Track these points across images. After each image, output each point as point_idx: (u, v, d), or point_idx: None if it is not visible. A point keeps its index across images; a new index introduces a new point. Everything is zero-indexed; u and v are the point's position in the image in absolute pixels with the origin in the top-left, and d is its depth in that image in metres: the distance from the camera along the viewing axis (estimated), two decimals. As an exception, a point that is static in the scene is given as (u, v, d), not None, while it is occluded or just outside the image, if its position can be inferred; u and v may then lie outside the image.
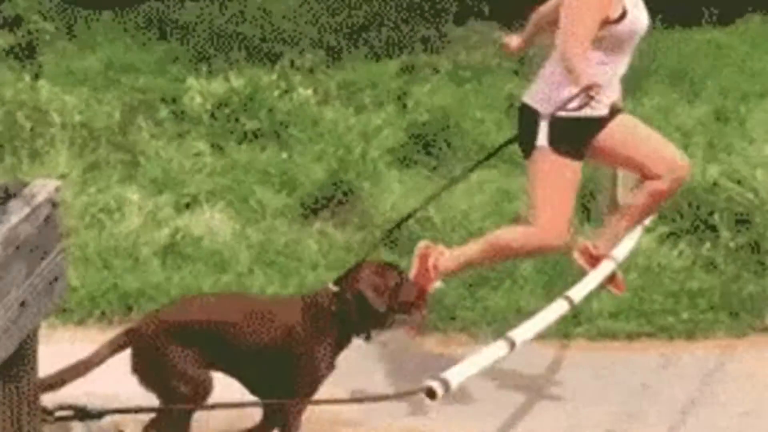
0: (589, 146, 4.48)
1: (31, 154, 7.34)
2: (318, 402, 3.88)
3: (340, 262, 5.68)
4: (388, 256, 5.51)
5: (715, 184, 6.21)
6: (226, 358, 3.80)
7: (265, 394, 3.83)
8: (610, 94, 4.45)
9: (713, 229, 6.04)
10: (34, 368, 2.70)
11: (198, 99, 8.31)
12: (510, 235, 4.66)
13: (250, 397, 3.87)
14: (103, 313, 5.59)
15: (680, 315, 5.42)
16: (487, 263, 4.90)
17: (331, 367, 3.89)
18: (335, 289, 3.92)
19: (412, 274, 4.58)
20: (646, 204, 4.62)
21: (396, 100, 8.95)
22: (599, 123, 4.45)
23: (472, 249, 4.69)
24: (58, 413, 2.75)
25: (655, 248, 5.86)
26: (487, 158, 5.25)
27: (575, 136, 4.43)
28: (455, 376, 3.47)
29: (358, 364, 4.18)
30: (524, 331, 3.97)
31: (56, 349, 4.26)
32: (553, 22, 4.60)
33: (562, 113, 4.35)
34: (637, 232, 4.83)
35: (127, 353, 3.84)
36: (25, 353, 2.61)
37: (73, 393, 3.40)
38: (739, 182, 6.21)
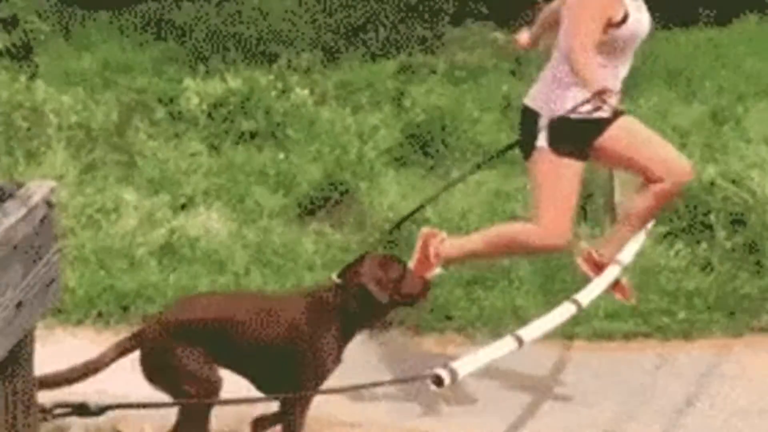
0: (591, 148, 4.49)
1: (28, 154, 7.33)
2: (326, 392, 3.88)
3: (337, 262, 5.67)
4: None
5: (711, 184, 6.22)
6: (232, 356, 3.80)
7: (271, 390, 3.84)
8: (613, 96, 4.45)
9: (710, 229, 6.04)
10: (29, 369, 2.70)
11: (195, 99, 8.31)
12: (514, 230, 4.66)
13: (256, 393, 3.87)
14: (100, 314, 5.59)
15: (677, 315, 5.43)
16: (487, 256, 4.91)
17: (337, 360, 3.89)
18: (338, 281, 3.93)
19: (413, 260, 4.59)
20: (651, 207, 4.62)
21: (393, 100, 8.96)
22: (601, 125, 4.45)
23: (475, 240, 4.70)
24: (57, 411, 2.74)
25: (652, 248, 5.86)
26: (489, 160, 5.26)
27: (577, 138, 4.43)
28: (463, 366, 3.52)
29: (355, 364, 4.17)
30: (533, 330, 4.02)
31: (53, 350, 4.28)
32: (555, 23, 4.60)
33: (563, 114, 4.36)
34: (641, 235, 4.83)
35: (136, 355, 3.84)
36: (20, 354, 2.61)
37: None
38: (735, 182, 6.21)
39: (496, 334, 4.33)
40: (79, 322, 5.53)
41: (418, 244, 4.68)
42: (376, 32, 11.09)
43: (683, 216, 6.08)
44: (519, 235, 4.61)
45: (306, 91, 8.80)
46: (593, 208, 6.13)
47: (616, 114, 4.45)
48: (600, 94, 4.19)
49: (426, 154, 7.63)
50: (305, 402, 3.88)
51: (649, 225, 4.87)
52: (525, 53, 10.15)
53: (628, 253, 4.72)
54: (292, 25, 11.00)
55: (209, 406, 3.78)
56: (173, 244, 6.19)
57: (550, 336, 4.34)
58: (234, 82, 8.53)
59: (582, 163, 4.51)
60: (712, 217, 6.07)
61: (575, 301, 4.35)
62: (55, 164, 7.12)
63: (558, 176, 4.45)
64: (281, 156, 7.62)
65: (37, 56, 9.55)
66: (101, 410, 2.75)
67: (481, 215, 6.36)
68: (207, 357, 3.76)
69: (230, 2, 11.65)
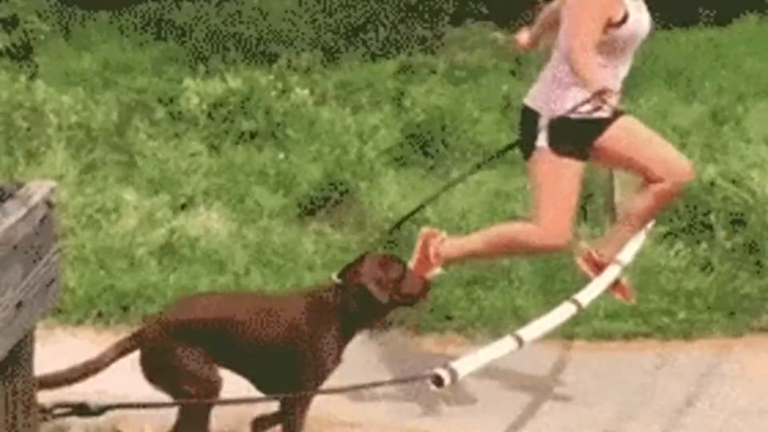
0: (591, 148, 4.49)
1: (28, 154, 7.33)
2: (326, 391, 3.88)
3: (337, 262, 5.67)
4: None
5: (711, 184, 6.22)
6: (232, 356, 3.80)
7: (271, 390, 3.84)
8: (613, 96, 4.44)
9: (710, 229, 6.04)
10: (29, 369, 2.70)
11: (195, 99, 8.31)
12: (514, 230, 4.66)
13: (256, 393, 3.87)
14: (99, 314, 5.59)
15: (676, 315, 5.43)
16: (487, 256, 4.90)
17: (337, 360, 3.89)
18: (338, 281, 3.93)
19: (413, 260, 4.59)
20: (651, 207, 4.62)
21: (393, 100, 8.96)
22: (601, 125, 4.45)
23: (475, 240, 4.70)
24: (57, 411, 2.74)
25: (652, 248, 5.86)
26: (489, 160, 5.26)
27: (577, 138, 4.43)
28: (463, 366, 3.52)
29: (355, 364, 4.17)
30: (533, 330, 4.02)
31: (54, 350, 4.28)
32: (555, 23, 4.59)
33: (563, 114, 4.36)
34: (641, 235, 4.83)
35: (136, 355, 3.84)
36: (20, 354, 2.61)
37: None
38: (735, 182, 6.21)
39: (496, 334, 4.33)
40: (79, 322, 5.53)
41: (418, 244, 4.68)
42: (376, 32, 11.09)
43: (683, 216, 6.08)
44: (519, 235, 4.61)
45: (306, 91, 8.80)
46: (593, 208, 6.13)
47: (616, 114, 4.45)
48: (600, 94, 4.19)
49: (426, 154, 7.63)
50: (305, 402, 3.88)
51: (649, 225, 4.87)
52: (525, 53, 10.17)
53: (628, 253, 4.72)
54: (292, 25, 11.00)
55: (209, 406, 3.79)
56: (173, 244, 6.19)
57: (550, 336, 4.34)
58: (234, 82, 8.53)
59: (582, 163, 4.51)
60: (712, 217, 6.07)
61: (575, 301, 4.35)
62: (55, 164, 7.13)
63: (558, 176, 4.45)
64: (281, 156, 7.62)
65: (37, 56, 9.55)
66: (101, 410, 2.75)
67: (481, 215, 6.36)
68: (207, 357, 3.76)
69: (230, 2, 11.65)
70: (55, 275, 2.69)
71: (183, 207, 6.81)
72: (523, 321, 4.86)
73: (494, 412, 4.63)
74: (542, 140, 4.45)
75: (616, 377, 4.96)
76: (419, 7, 11.35)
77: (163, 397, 3.73)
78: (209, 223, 6.48)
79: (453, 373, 3.44)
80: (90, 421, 4.08)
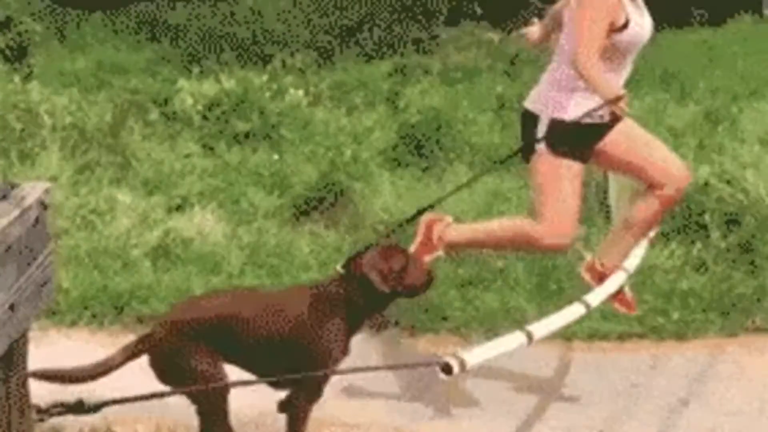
0: (591, 151, 4.48)
1: (22, 155, 7.33)
2: (336, 372, 3.90)
3: (332, 263, 5.68)
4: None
5: (705, 184, 6.22)
6: (241, 353, 3.81)
7: (280, 385, 3.85)
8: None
9: (704, 229, 6.05)
10: (23, 371, 2.69)
11: (189, 100, 8.31)
12: (520, 226, 4.62)
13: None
14: (94, 315, 5.58)
15: (671, 315, 5.43)
16: (489, 247, 4.88)
17: (345, 351, 3.90)
18: (342, 271, 3.94)
19: (416, 242, 4.59)
20: (654, 214, 4.60)
21: (387, 101, 8.97)
22: (602, 129, 4.45)
23: (480, 229, 4.69)
24: (52, 411, 2.73)
25: (646, 248, 5.86)
26: (496, 164, 5.24)
27: (578, 141, 4.42)
28: (473, 356, 3.54)
29: (350, 364, 4.17)
30: (542, 327, 4.04)
31: (48, 351, 4.28)
32: (558, 24, 4.58)
33: (564, 119, 4.36)
34: (644, 243, 4.82)
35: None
36: (14, 356, 2.60)
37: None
38: (729, 183, 6.22)
39: (491, 335, 4.32)
40: (73, 324, 5.52)
41: (421, 228, 4.66)
42: (370, 33, 11.10)
43: (677, 216, 6.08)
44: (524, 232, 4.57)
45: (300, 92, 8.80)
46: (587, 208, 6.13)
47: (617, 118, 4.43)
48: (616, 102, 4.18)
49: (420, 154, 7.63)
50: (311, 398, 3.89)
51: (652, 233, 4.86)
52: (521, 53, 10.21)
53: (633, 261, 4.72)
54: (286, 25, 11.00)
55: (223, 404, 3.78)
56: (168, 245, 6.18)
57: (549, 336, 4.34)
58: (228, 83, 8.53)
59: (582, 164, 4.51)
60: (706, 217, 6.07)
61: (585, 302, 4.37)
62: (49, 165, 7.12)
63: (559, 177, 4.44)
64: (276, 157, 7.62)
65: (32, 57, 9.56)
66: (97, 407, 2.74)
67: (476, 217, 6.35)
68: (217, 355, 3.77)
69: (224, 3, 11.65)
70: (49, 276, 2.68)
71: (177, 208, 6.80)
72: (518, 322, 4.87)
73: (493, 412, 4.63)
74: (542, 143, 4.44)
75: (611, 377, 4.96)
76: (414, 7, 11.36)
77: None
78: (204, 224, 6.48)
79: (462, 363, 3.46)
80: (85, 421, 4.10)
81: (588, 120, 4.33)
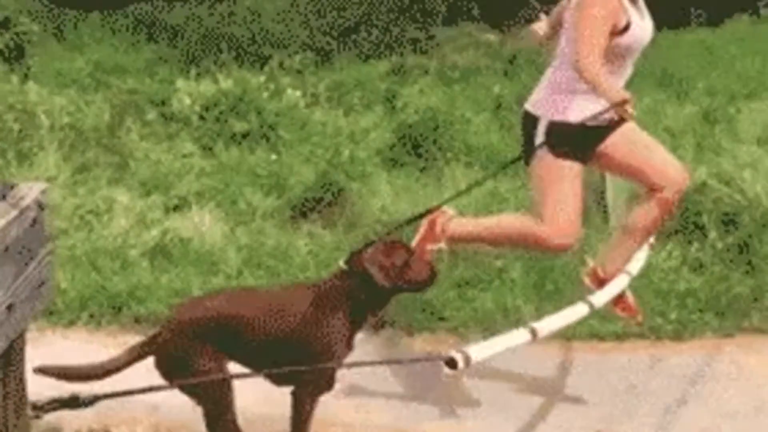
0: (592, 153, 4.48)
1: (20, 156, 7.32)
2: (343, 366, 3.93)
3: (330, 263, 5.68)
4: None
5: (703, 184, 6.22)
6: (246, 352, 3.82)
7: (282, 381, 3.85)
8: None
9: (702, 229, 6.05)
10: (21, 371, 2.69)
11: (187, 101, 8.30)
12: (524, 225, 4.60)
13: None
14: (91, 316, 5.58)
15: (668, 315, 5.44)
16: (492, 244, 4.87)
17: (349, 347, 3.91)
18: (344, 267, 3.94)
19: (418, 235, 4.59)
20: (655, 218, 4.58)
21: (385, 101, 8.97)
22: (602, 132, 4.44)
23: (484, 225, 4.68)
24: (48, 407, 2.73)
25: (648, 253, 5.86)
26: (503, 168, 5.23)
27: (578, 143, 4.42)
28: (477, 351, 3.56)
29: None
30: (547, 325, 4.05)
31: (45, 352, 4.27)
32: (560, 24, 4.56)
33: (565, 121, 4.35)
34: (645, 247, 4.82)
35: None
36: (11, 356, 2.61)
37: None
38: (727, 183, 6.22)
39: (489, 335, 4.32)
40: (71, 324, 5.51)
41: (423, 223, 4.66)
42: (368, 33, 11.10)
43: (675, 217, 6.08)
44: (528, 231, 4.56)
45: (298, 92, 8.80)
46: (585, 208, 6.13)
47: (619, 121, 4.42)
48: (622, 105, 4.17)
49: (418, 155, 7.63)
50: (315, 394, 3.89)
51: (652, 238, 4.86)
52: (518, 54, 10.21)
53: (636, 265, 4.72)
54: (284, 26, 11.00)
55: (228, 402, 3.78)
56: (165, 245, 6.18)
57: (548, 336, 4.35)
58: (226, 83, 8.52)
59: (582, 165, 4.50)
60: (704, 217, 6.07)
61: (589, 302, 4.38)
62: (47, 165, 7.12)
63: (560, 178, 4.44)
64: (273, 157, 7.62)
65: (29, 57, 9.54)
66: (92, 401, 2.73)
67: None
68: (222, 356, 3.76)
69: (222, 3, 11.65)
70: (47, 277, 2.69)
71: (175, 208, 6.80)
72: (515, 322, 4.87)
73: (492, 412, 4.64)
74: (541, 142, 4.44)
75: (609, 377, 4.96)
76: (411, 8, 11.36)
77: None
78: (202, 224, 6.48)
79: (467, 358, 3.46)
80: (82, 420, 4.09)
81: (591, 122, 4.33)
